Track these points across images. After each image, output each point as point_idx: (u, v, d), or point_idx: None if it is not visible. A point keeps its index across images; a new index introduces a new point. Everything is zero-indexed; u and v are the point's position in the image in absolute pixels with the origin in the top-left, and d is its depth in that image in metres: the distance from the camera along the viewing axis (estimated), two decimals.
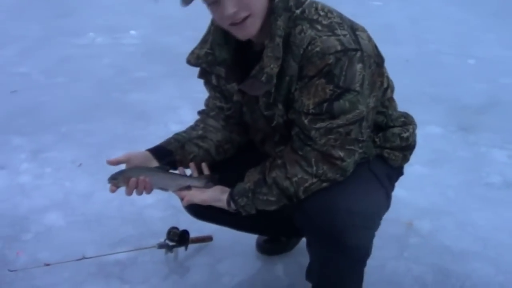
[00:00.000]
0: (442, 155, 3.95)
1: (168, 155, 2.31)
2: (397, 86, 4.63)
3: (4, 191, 3.50)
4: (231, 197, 2.17)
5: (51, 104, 4.71)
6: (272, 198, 2.10)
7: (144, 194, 2.26)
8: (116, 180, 2.22)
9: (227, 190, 2.20)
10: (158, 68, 5.28)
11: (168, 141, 2.36)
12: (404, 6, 7.67)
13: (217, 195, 2.22)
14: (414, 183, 3.41)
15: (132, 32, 6.50)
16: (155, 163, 2.28)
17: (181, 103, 4.53)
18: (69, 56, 5.80)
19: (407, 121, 2.36)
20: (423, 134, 4.09)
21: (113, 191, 2.24)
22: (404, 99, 4.46)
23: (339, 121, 1.95)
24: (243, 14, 1.94)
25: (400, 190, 3.09)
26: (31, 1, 7.72)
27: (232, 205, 2.17)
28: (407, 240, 3.07)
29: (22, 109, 4.60)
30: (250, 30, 1.98)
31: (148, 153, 2.30)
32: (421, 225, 3.19)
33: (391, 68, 5.37)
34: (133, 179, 2.20)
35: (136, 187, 2.21)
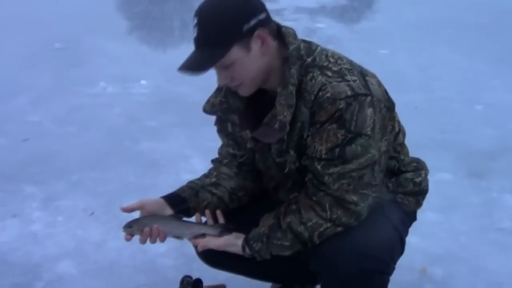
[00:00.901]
0: (453, 201, 3.94)
1: (182, 203, 2.33)
2: (408, 133, 4.68)
3: (17, 239, 3.52)
4: (246, 242, 2.18)
5: (62, 153, 4.73)
6: (287, 243, 2.11)
7: (157, 242, 2.27)
8: (131, 229, 2.24)
9: (241, 235, 2.21)
10: (168, 117, 5.31)
11: (182, 189, 2.38)
12: (411, 54, 7.72)
13: (232, 240, 2.23)
14: (426, 229, 3.43)
15: (143, 81, 6.55)
16: (169, 210, 2.30)
17: (192, 152, 4.55)
18: (80, 105, 5.86)
19: (420, 166, 2.38)
20: (434, 181, 4.09)
21: (128, 239, 2.26)
22: (413, 146, 4.47)
23: (351, 166, 1.98)
24: (235, 84, 2.05)
25: (413, 237, 3.09)
26: (43, 52, 7.82)
27: (247, 250, 2.18)
28: (422, 287, 3.07)
29: (34, 158, 4.62)
30: (243, 94, 2.09)
31: (162, 200, 2.32)
32: (434, 271, 3.18)
33: (400, 115, 5.42)
34: (147, 228, 2.22)
35: (150, 236, 2.23)
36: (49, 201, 3.97)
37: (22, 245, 3.45)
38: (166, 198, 2.33)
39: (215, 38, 1.95)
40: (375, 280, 2.10)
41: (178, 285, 2.79)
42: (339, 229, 2.06)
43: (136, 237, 2.26)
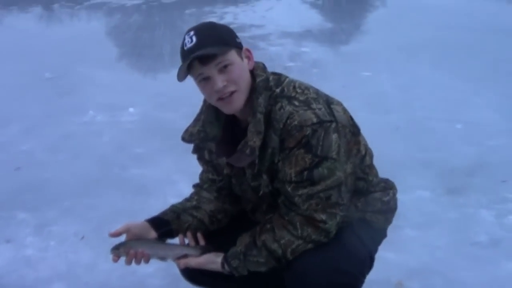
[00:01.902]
0: (431, 217, 4.07)
1: (165, 225, 2.48)
2: (388, 152, 4.87)
3: (11, 263, 3.66)
4: (225, 260, 2.33)
5: (54, 180, 4.86)
6: (262, 260, 2.26)
7: (144, 264, 2.44)
8: (118, 251, 2.40)
9: (221, 254, 2.36)
10: (156, 144, 5.42)
11: (165, 212, 2.54)
12: (393, 75, 7.83)
13: (212, 258, 2.37)
14: (403, 245, 3.58)
15: (131, 109, 6.66)
16: (153, 233, 2.45)
17: (179, 177, 4.66)
18: (70, 134, 5.97)
19: (387, 186, 2.53)
20: (412, 198, 4.30)
21: (115, 261, 2.42)
22: (394, 165, 4.68)
23: (319, 187, 2.14)
24: (231, 89, 2.18)
25: (390, 252, 3.27)
26: (33, 81, 7.95)
27: (226, 267, 2.32)
28: None
29: (26, 186, 4.75)
30: (235, 104, 2.21)
31: (146, 224, 2.47)
32: (411, 285, 3.31)
33: (382, 135, 5.63)
34: (132, 251, 2.37)
35: (135, 257, 2.38)
36: (42, 227, 4.10)
37: (16, 269, 3.59)
38: (150, 221, 2.49)
39: (217, 41, 2.16)
40: None
41: None
42: (310, 245, 2.21)
43: (123, 259, 2.42)
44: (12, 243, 3.91)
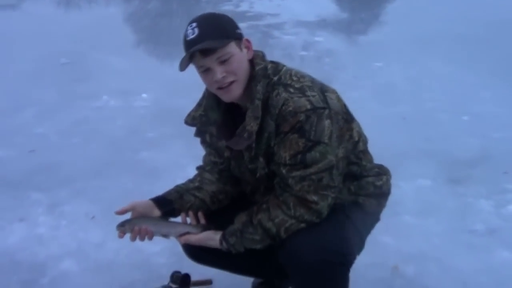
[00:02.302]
0: (430, 206, 4.17)
1: (168, 204, 2.62)
2: (393, 142, 4.99)
3: (24, 241, 3.78)
4: (223, 237, 2.46)
5: (66, 163, 4.98)
6: (257, 237, 2.39)
7: (150, 243, 2.64)
8: (123, 227, 2.55)
9: (220, 232, 2.49)
10: (167, 129, 5.53)
11: (169, 192, 2.67)
12: (404, 66, 7.90)
13: (211, 235, 2.51)
14: (401, 231, 3.69)
15: (144, 95, 6.79)
16: (156, 211, 2.59)
17: (188, 161, 4.69)
18: (84, 118, 6.10)
19: (381, 172, 2.63)
20: (413, 187, 4.41)
21: (120, 237, 2.56)
22: (399, 154, 4.81)
23: (311, 170, 2.26)
24: (230, 79, 2.31)
25: (387, 238, 3.40)
26: (49, 67, 8.07)
27: (224, 243, 2.46)
28: (392, 283, 3.31)
29: (40, 167, 4.88)
30: (234, 93, 2.34)
31: (151, 202, 2.61)
32: (406, 269, 3.41)
33: (388, 125, 5.73)
34: (137, 227, 2.51)
35: (140, 234, 2.52)
36: (54, 207, 4.23)
37: (28, 246, 3.71)
38: (154, 200, 2.63)
39: (218, 33, 2.28)
40: (334, 271, 2.36)
41: (168, 279, 3.07)
42: (302, 225, 2.34)
43: (128, 236, 2.57)
44: (25, 222, 4.04)
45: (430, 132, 5.61)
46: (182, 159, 4.90)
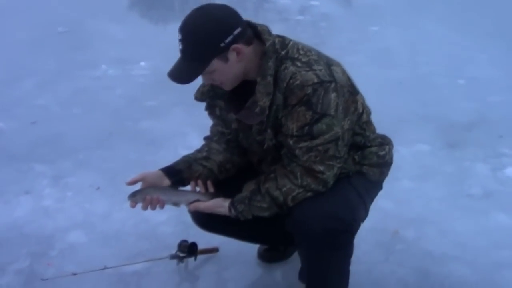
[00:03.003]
0: (428, 170, 4.26)
1: (177, 174, 2.70)
2: (390, 106, 5.05)
3: (30, 214, 3.82)
4: (232, 204, 2.54)
5: (68, 134, 5.01)
6: (265, 205, 2.47)
7: (156, 213, 2.70)
8: (135, 197, 2.62)
9: (228, 199, 2.57)
10: (167, 97, 5.54)
11: (177, 162, 2.75)
12: (401, 30, 7.91)
13: (220, 202, 2.59)
14: (401, 196, 3.78)
15: (142, 63, 6.81)
16: (166, 181, 2.67)
17: (189, 130, 4.82)
18: (83, 88, 6.10)
19: (384, 142, 2.70)
20: (412, 152, 4.49)
21: (133, 206, 2.64)
22: (396, 119, 4.88)
23: (318, 141, 2.34)
24: (216, 84, 2.46)
25: (388, 202, 3.48)
26: (47, 36, 8.03)
27: (232, 211, 2.54)
28: (393, 247, 3.40)
29: (42, 139, 4.90)
30: (226, 88, 2.48)
31: (160, 172, 2.69)
32: (406, 233, 3.51)
33: (385, 90, 5.79)
34: (148, 196, 2.58)
35: (151, 203, 2.60)
36: (58, 178, 4.27)
37: (35, 219, 3.76)
38: (164, 170, 2.71)
39: (198, 54, 2.31)
40: (340, 238, 2.44)
41: (176, 248, 3.16)
42: (309, 194, 2.42)
43: (139, 207, 2.64)
44: (31, 195, 4.07)
45: (426, 97, 5.68)
46: (183, 128, 4.96)
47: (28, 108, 5.66)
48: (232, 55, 2.34)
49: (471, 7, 8.84)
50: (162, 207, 2.64)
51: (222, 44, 2.30)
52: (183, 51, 2.34)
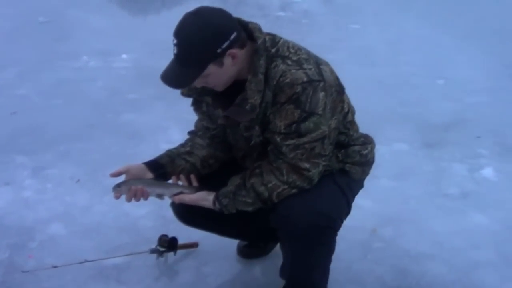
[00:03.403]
0: (407, 169, 4.30)
1: (160, 168, 2.72)
2: (370, 105, 5.09)
3: (11, 205, 3.82)
4: (216, 198, 2.56)
5: (49, 125, 5.00)
6: (249, 200, 2.50)
7: (138, 205, 2.70)
8: (119, 188, 2.64)
9: (213, 193, 2.59)
10: (149, 90, 5.52)
11: (161, 156, 2.77)
12: (381, 29, 7.98)
13: (204, 196, 2.61)
14: (380, 194, 3.81)
15: (124, 55, 6.80)
16: (149, 174, 2.69)
17: (170, 123, 4.84)
18: (65, 79, 6.08)
19: (367, 141, 2.75)
20: (391, 151, 4.53)
21: (117, 197, 2.66)
22: (375, 118, 4.93)
23: (305, 139, 2.37)
24: (209, 86, 2.46)
25: (367, 201, 3.51)
26: (28, 26, 7.99)
27: (217, 204, 2.56)
28: (371, 245, 3.44)
29: (22, 130, 4.88)
30: (218, 89, 2.48)
31: (144, 166, 2.71)
32: (384, 231, 3.55)
33: (365, 88, 5.84)
34: (133, 188, 2.60)
35: (135, 195, 2.62)
36: (39, 170, 4.26)
37: (16, 210, 3.75)
38: (147, 164, 2.73)
39: (194, 60, 2.31)
40: (323, 234, 2.49)
41: (156, 242, 3.18)
42: (294, 190, 2.46)
43: (122, 199, 2.65)
44: (11, 186, 4.07)
45: (406, 96, 5.74)
46: (164, 121, 4.98)
47: (8, 98, 5.66)
48: (227, 60, 2.34)
49: (450, 6, 8.91)
50: (146, 198, 2.66)
51: (219, 50, 2.30)
52: (178, 56, 2.32)
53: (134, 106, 5.42)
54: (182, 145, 2.84)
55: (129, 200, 2.64)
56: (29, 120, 5.10)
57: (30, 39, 7.43)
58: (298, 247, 2.54)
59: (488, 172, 4.33)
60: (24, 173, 4.24)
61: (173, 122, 4.82)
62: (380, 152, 4.07)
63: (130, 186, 2.62)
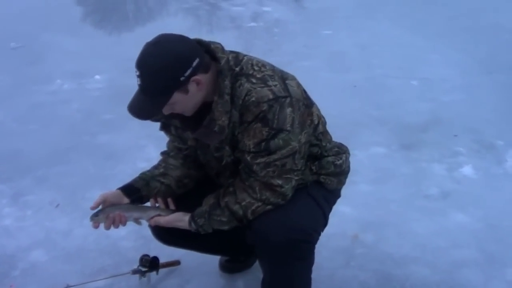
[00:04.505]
0: (385, 173, 4.32)
1: (135, 192, 2.72)
2: (345, 110, 5.10)
3: None
4: (192, 218, 2.56)
5: (26, 150, 4.96)
6: (224, 219, 2.50)
7: (117, 229, 2.69)
8: (97, 217, 2.64)
9: (188, 214, 2.60)
10: (123, 109, 5.26)
11: (135, 180, 2.76)
12: (353, 33, 7.98)
13: (180, 217, 2.62)
14: (359, 200, 3.82)
15: (97, 76, 6.75)
16: (125, 199, 2.69)
17: (146, 142, 4.82)
18: (39, 103, 6.04)
19: (341, 151, 2.74)
20: (368, 155, 4.55)
21: (96, 227, 2.65)
22: (351, 123, 4.94)
23: (275, 156, 2.37)
24: (177, 112, 2.45)
25: (346, 207, 3.53)
26: None
27: (193, 224, 2.56)
28: (353, 251, 3.45)
29: None
30: (187, 114, 2.48)
31: (119, 192, 2.70)
32: (366, 237, 3.56)
33: (340, 93, 5.85)
34: (111, 215, 2.60)
35: (114, 222, 2.61)
36: (17, 197, 4.24)
37: None
38: (122, 189, 2.72)
39: (158, 90, 2.31)
40: (300, 248, 2.49)
41: (138, 263, 3.16)
42: (269, 207, 2.46)
43: (101, 226, 2.65)
44: None
45: (381, 99, 5.75)
46: (141, 140, 4.95)
47: None
48: (192, 86, 2.34)
49: (421, 7, 8.95)
50: (124, 224, 2.66)
51: (182, 78, 2.29)
52: (142, 87, 2.32)
53: (109, 126, 5.39)
54: (155, 167, 2.84)
55: (107, 228, 2.64)
56: (4, 146, 5.07)
57: (3, 65, 7.36)
58: (276, 263, 2.55)
59: (467, 170, 4.37)
60: (2, 201, 4.22)
61: (149, 140, 4.80)
62: (358, 157, 4.13)
63: (108, 214, 2.62)
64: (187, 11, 9.54)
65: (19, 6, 10.00)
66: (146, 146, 4.80)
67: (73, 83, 6.65)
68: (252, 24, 8.89)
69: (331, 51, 7.28)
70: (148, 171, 2.82)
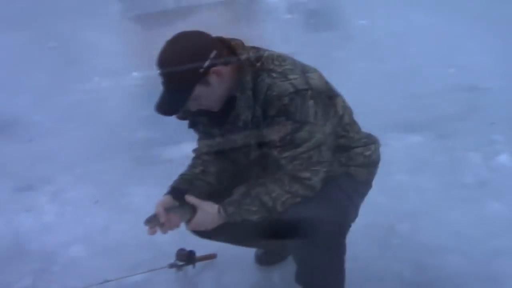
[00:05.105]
0: (421, 162, 4.28)
1: (183, 194, 2.68)
2: (382, 100, 5.04)
3: (32, 231, 3.88)
4: (222, 206, 2.55)
5: (65, 149, 5.07)
6: (254, 209, 2.51)
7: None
8: (152, 223, 2.60)
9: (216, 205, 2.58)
10: None
11: (179, 182, 2.75)
12: (389, 22, 7.95)
13: (209, 206, 2.58)
14: (395, 190, 3.80)
15: (134, 73, 6.85)
16: (176, 203, 2.66)
17: (183, 137, 4.78)
18: (78, 102, 6.16)
19: (369, 141, 2.74)
20: (404, 145, 4.52)
21: (153, 233, 2.61)
22: (388, 113, 4.88)
23: (301, 149, 2.39)
24: (204, 108, 2.48)
25: (381, 198, 3.52)
26: (38, 51, 8.07)
27: (222, 212, 2.54)
28: (389, 241, 3.43)
29: (40, 156, 4.96)
30: (214, 110, 2.51)
31: (170, 197, 2.67)
32: (401, 227, 3.53)
33: (376, 83, 5.79)
34: (163, 219, 2.57)
35: (170, 225, 2.60)
36: (58, 194, 4.33)
37: (37, 235, 3.81)
38: (171, 194, 2.70)
39: (179, 85, 2.35)
40: (331, 240, 2.52)
41: (174, 257, 3.21)
42: (298, 199, 2.47)
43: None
44: (32, 212, 4.13)
45: (417, 88, 5.68)
46: (178, 136, 4.94)
47: (24, 125, 5.74)
48: (213, 78, 2.37)
49: None
50: (178, 226, 2.64)
51: (201, 70, 2.33)
52: (165, 84, 2.37)
53: (147, 123, 5.43)
54: (193, 166, 2.84)
55: (165, 232, 2.62)
56: (45, 146, 5.17)
57: (42, 65, 7.48)
58: (308, 255, 2.58)
59: (504, 158, 4.29)
60: (43, 199, 4.30)
61: (186, 135, 4.77)
62: (393, 146, 4.11)
63: (160, 218, 2.58)
64: (225, 5, 9.58)
65: (59, 6, 10.11)
66: (182, 142, 4.80)
67: (110, 80, 6.74)
68: (288, 16, 8.90)
69: (367, 41, 7.26)
70: (187, 171, 2.82)
